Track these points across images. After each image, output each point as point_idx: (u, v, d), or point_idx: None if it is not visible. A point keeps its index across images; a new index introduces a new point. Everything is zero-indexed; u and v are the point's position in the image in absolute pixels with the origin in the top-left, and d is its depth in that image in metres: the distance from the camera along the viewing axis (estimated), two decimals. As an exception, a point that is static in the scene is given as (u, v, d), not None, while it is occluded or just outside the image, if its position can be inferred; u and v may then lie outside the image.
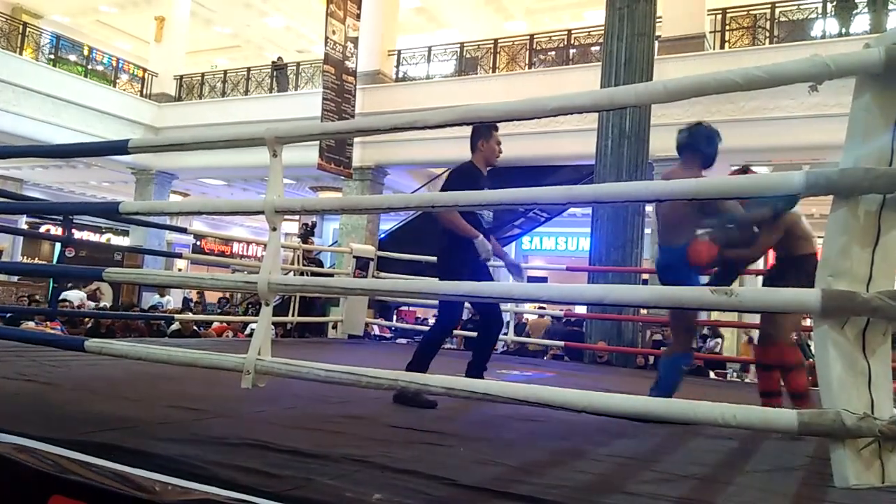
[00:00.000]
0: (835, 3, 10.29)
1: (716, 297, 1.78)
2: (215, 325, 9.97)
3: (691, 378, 7.03)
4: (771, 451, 2.73)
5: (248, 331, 8.81)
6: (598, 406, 1.72)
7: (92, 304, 11.82)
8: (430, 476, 1.80)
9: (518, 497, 1.68)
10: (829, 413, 1.44)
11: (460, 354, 8.79)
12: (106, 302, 12.83)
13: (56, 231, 12.08)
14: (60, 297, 11.45)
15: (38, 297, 11.84)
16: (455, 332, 11.51)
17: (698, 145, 3.59)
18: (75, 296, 12.54)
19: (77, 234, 13.79)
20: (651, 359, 7.93)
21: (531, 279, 16.63)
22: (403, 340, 10.40)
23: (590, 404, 1.73)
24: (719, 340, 11.08)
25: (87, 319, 8.48)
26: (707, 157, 3.60)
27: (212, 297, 16.56)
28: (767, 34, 10.97)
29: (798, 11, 10.92)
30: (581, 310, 8.74)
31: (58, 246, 12.59)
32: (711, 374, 8.49)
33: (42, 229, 14.87)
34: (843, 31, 10.15)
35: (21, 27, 15.00)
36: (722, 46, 11.13)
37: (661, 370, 3.58)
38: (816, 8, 10.72)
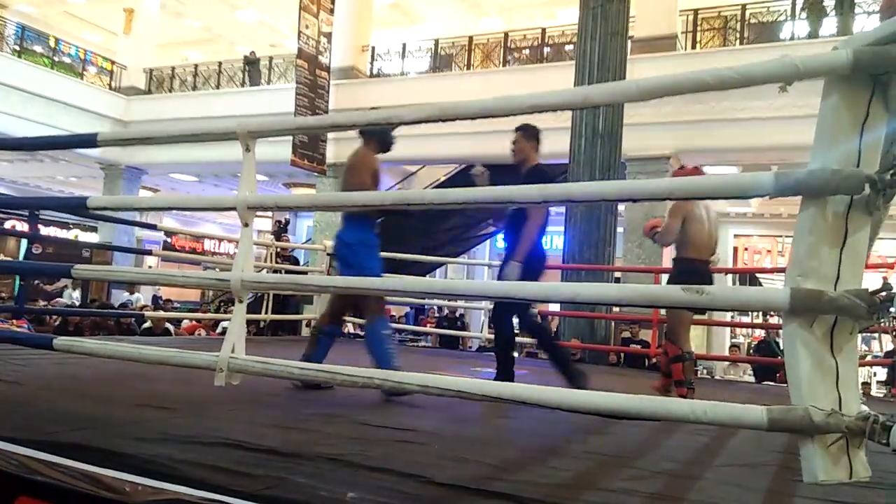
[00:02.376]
0: (803, 5, 10.47)
1: (687, 294, 1.81)
2: (186, 323, 9.85)
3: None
4: (742, 446, 2.77)
5: (219, 329, 8.71)
6: (572, 403, 1.74)
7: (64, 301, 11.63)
8: (405, 474, 1.80)
9: (494, 494, 1.68)
10: (798, 409, 1.46)
11: (435, 352, 8.81)
12: (65, 299, 12.62)
13: (22, 227, 11.86)
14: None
15: (2, 294, 11.60)
16: (431, 330, 11.54)
17: (372, 130, 3.79)
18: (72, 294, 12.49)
19: (43, 231, 13.49)
20: (622, 356, 8.02)
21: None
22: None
23: (564, 401, 1.74)
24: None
25: (54, 317, 8.32)
26: (382, 142, 3.81)
27: (187, 295, 16.34)
28: (738, 35, 11.13)
29: (768, 13, 11.09)
30: (555, 307, 8.80)
31: (24, 242, 12.33)
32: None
33: (7, 225, 14.55)
34: (812, 33, 10.32)
35: (-15, 17, 14.66)
36: (693, 47, 11.26)
37: (372, 346, 3.53)
38: (785, 10, 10.90)
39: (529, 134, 4.05)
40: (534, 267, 3.82)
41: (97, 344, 2.73)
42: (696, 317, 11.02)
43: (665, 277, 10.26)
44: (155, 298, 15.14)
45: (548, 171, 4.07)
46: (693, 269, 4.20)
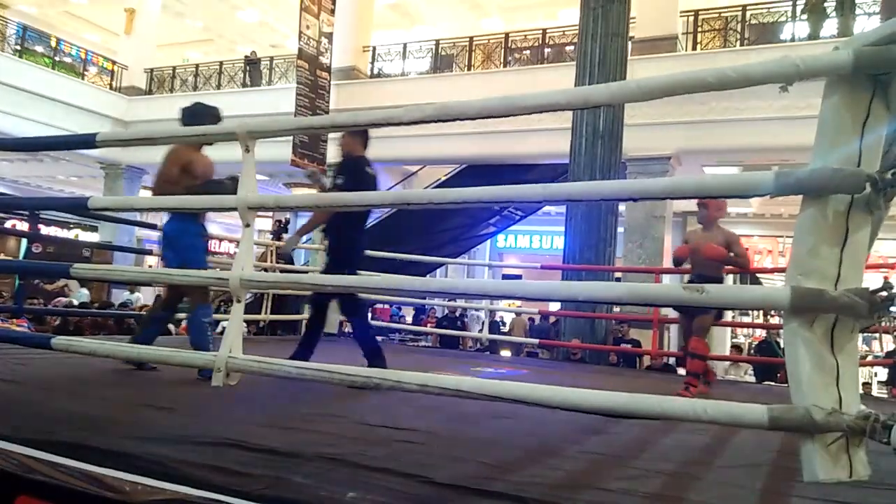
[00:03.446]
0: (804, 7, 10.46)
1: (687, 293, 1.81)
2: (185, 324, 9.84)
3: (662, 375, 7.14)
4: (741, 447, 2.77)
5: (219, 328, 8.69)
6: (572, 402, 1.73)
7: (64, 300, 11.62)
8: (405, 474, 1.80)
9: (494, 494, 1.68)
10: (799, 409, 1.46)
11: (435, 351, 8.80)
12: (74, 299, 12.61)
13: (22, 226, 11.87)
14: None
15: (3, 292, 11.60)
16: (431, 330, 11.54)
17: (187, 123, 4.03)
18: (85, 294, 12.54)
19: (44, 230, 13.51)
20: (623, 356, 8.02)
21: (506, 276, 16.69)
22: (378, 338, 10.36)
23: (564, 401, 1.74)
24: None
25: (54, 317, 8.32)
26: None
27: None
28: (738, 36, 11.13)
29: (768, 14, 11.09)
30: (555, 307, 8.82)
31: (24, 241, 12.35)
32: (681, 371, 8.60)
33: (7, 224, 14.55)
34: (812, 34, 10.32)
35: (-14, 17, 14.67)
36: (694, 48, 11.26)
37: (192, 331, 3.92)
38: (786, 11, 10.90)
39: (356, 130, 4.17)
40: (346, 256, 4.01)
41: (96, 343, 2.73)
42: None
43: (666, 277, 10.31)
44: (158, 299, 15.11)
45: (360, 164, 4.11)
46: None
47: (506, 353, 9.83)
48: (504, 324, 14.36)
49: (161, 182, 3.98)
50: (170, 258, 3.88)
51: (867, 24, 10.12)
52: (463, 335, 10.85)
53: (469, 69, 13.09)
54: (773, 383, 7.39)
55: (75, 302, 11.81)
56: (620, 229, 9.03)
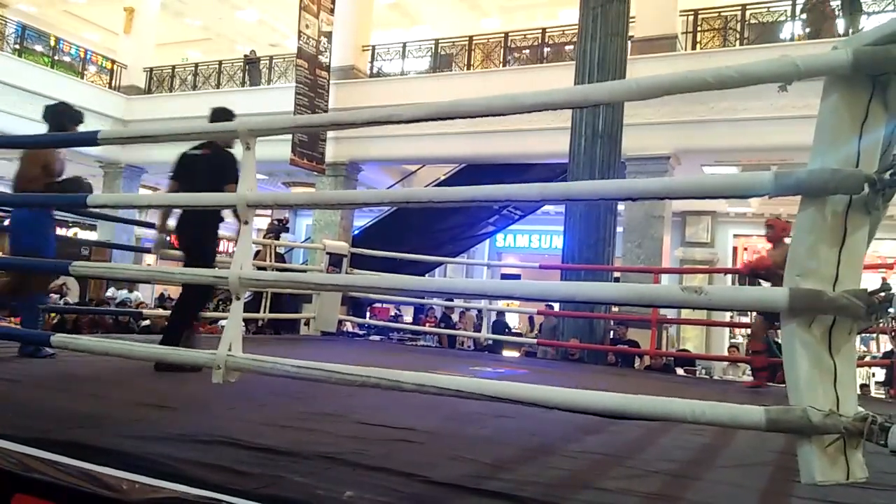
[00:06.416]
0: (803, 7, 10.46)
1: (685, 294, 1.80)
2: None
3: (661, 375, 7.14)
4: (741, 447, 2.77)
5: (218, 326, 8.69)
6: (570, 403, 1.73)
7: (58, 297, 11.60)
8: (402, 473, 1.80)
9: (490, 493, 1.68)
10: (796, 410, 1.46)
11: (439, 351, 8.80)
12: (72, 298, 12.60)
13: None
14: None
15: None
16: (433, 329, 11.54)
17: (49, 121, 4.34)
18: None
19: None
20: (621, 356, 8.02)
21: (505, 276, 16.70)
22: (377, 337, 10.37)
23: (563, 401, 1.74)
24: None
25: (52, 315, 8.31)
26: (59, 129, 4.33)
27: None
28: (738, 36, 11.12)
29: (768, 14, 11.09)
30: (554, 307, 8.82)
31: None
32: (680, 371, 8.61)
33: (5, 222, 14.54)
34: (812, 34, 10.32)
35: (-15, 16, 14.65)
36: (693, 47, 11.26)
37: (25, 313, 4.16)
38: (785, 11, 10.90)
39: None
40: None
41: (94, 341, 2.73)
42: (696, 316, 11.08)
43: (665, 277, 10.27)
44: (161, 297, 15.09)
45: None
46: None
47: (510, 353, 9.86)
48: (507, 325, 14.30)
49: (23, 181, 4.26)
50: (25, 243, 4.11)
51: (867, 23, 10.12)
52: (461, 335, 10.84)
53: (468, 69, 13.09)
54: (771, 384, 7.38)
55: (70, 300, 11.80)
56: (619, 229, 9.03)
